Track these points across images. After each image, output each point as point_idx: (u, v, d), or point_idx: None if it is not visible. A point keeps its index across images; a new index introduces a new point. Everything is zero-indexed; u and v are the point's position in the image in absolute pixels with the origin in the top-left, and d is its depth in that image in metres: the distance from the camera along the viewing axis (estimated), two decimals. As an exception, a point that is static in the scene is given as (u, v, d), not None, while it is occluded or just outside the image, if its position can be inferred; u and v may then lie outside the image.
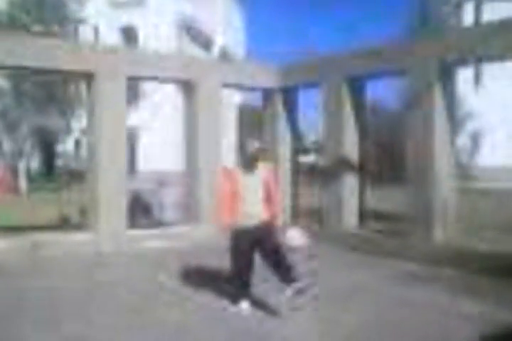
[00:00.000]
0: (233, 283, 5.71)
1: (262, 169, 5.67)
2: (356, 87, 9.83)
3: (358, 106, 9.88)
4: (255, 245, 5.50)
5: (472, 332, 4.94)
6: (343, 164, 9.66)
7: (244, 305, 5.58)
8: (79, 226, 10.08)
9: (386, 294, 6.35)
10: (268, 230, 5.55)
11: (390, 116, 24.15)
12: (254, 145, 5.58)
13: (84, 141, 24.10)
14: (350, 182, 9.71)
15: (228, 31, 39.28)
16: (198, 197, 10.09)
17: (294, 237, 5.59)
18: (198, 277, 7.09)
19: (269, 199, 5.59)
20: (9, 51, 8.41)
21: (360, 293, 6.39)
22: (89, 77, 9.37)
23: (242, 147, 5.63)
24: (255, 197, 5.51)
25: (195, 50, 31.99)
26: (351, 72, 9.55)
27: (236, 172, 5.56)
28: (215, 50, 35.44)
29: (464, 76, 25.82)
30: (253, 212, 5.47)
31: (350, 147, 9.76)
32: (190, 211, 10.30)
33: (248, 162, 5.58)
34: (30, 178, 24.17)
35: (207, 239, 9.37)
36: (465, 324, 5.19)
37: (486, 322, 5.24)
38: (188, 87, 10.38)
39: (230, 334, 4.91)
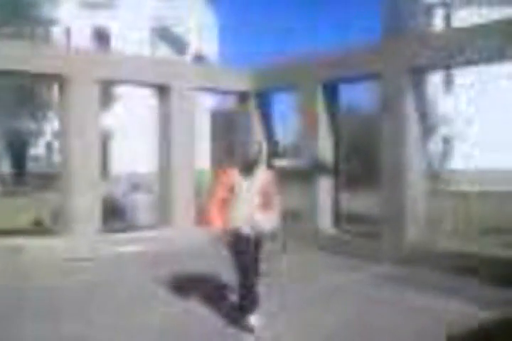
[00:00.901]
0: (242, 294, 5.14)
1: (262, 173, 5.35)
2: (330, 90, 9.93)
3: (332, 110, 9.99)
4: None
5: (440, 327, 5.16)
6: (317, 167, 9.75)
7: (254, 320, 5.08)
8: (52, 231, 9.94)
9: (359, 294, 6.42)
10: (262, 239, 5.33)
11: (364, 119, 24.40)
12: (256, 147, 5.25)
13: (56, 144, 23.79)
14: (324, 185, 9.80)
15: (202, 34, 39.27)
16: (170, 200, 10.05)
17: (263, 221, 5.12)
18: (180, 281, 7.05)
19: (267, 205, 5.26)
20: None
21: (334, 294, 6.45)
22: (61, 80, 9.26)
23: (241, 149, 5.36)
24: (251, 203, 5.16)
25: (168, 53, 31.89)
26: (324, 75, 9.65)
27: (234, 174, 5.21)
28: (189, 53, 35.38)
29: (434, 81, 26.33)
30: (245, 218, 5.13)
31: (325, 150, 9.85)
32: (163, 214, 10.25)
33: (247, 165, 5.24)
34: (1, 182, 23.74)
35: (180, 241, 9.34)
36: (433, 320, 5.38)
37: (454, 317, 5.47)
38: (161, 90, 10.35)
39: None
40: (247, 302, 5.05)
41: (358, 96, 25.10)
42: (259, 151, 5.29)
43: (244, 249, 5.09)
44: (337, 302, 6.14)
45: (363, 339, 4.93)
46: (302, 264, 8.31)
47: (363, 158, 22.95)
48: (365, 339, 4.93)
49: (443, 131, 27.45)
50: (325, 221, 9.78)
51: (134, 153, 26.36)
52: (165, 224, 10.10)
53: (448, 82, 28.82)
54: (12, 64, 8.58)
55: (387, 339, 4.94)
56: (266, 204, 5.25)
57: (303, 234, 9.73)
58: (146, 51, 27.66)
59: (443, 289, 6.64)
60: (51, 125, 23.56)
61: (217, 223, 5.11)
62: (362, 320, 5.48)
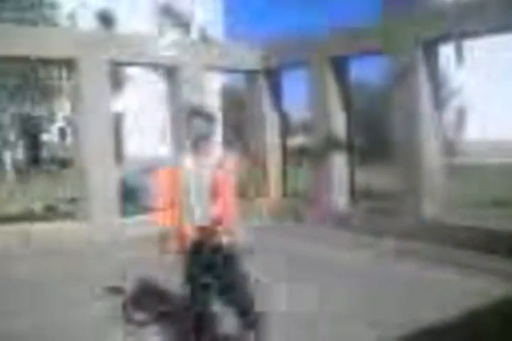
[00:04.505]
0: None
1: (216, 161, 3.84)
2: (340, 65, 9.80)
3: (343, 85, 9.87)
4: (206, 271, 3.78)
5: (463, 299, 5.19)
6: (331, 144, 9.68)
7: None
8: (69, 216, 10.02)
9: (376, 271, 6.43)
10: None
11: (376, 94, 24.15)
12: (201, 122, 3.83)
13: (69, 129, 23.87)
14: (339, 162, 9.74)
15: (206, 11, 38.78)
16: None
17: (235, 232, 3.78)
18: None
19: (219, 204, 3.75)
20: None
21: (350, 271, 6.46)
22: (70, 64, 9.23)
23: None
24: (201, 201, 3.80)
25: (173, 33, 31.62)
26: (334, 51, 9.50)
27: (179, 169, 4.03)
28: (194, 32, 35.05)
29: (446, 52, 25.87)
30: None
31: (337, 126, 9.77)
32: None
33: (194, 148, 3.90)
34: (17, 169, 23.93)
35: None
36: (456, 292, 5.40)
37: (477, 289, 5.53)
38: (169, 71, 10.28)
39: None
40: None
41: (369, 71, 24.81)
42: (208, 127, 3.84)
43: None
44: (355, 279, 6.15)
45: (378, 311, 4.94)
46: (317, 240, 8.31)
47: (376, 133, 22.79)
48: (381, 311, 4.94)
49: (456, 102, 27.09)
50: (340, 197, 9.74)
51: (147, 135, 26.40)
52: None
53: (459, 54, 28.32)
54: (20, 49, 8.55)
55: (402, 311, 4.95)
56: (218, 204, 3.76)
57: (319, 213, 9.70)
58: (151, 31, 27.45)
59: (463, 264, 6.61)
60: (63, 110, 23.59)
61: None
62: (381, 295, 5.49)
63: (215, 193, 3.71)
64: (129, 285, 5.80)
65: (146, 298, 5.47)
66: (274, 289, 5.53)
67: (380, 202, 10.45)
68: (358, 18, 9.62)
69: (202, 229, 3.73)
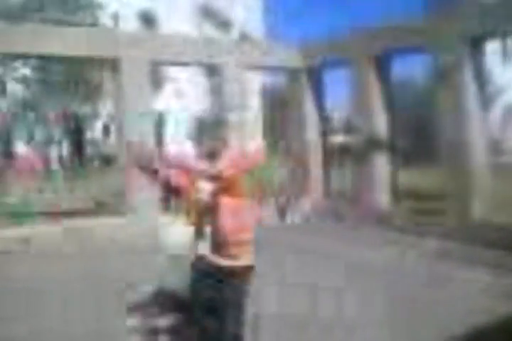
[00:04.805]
0: None
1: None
2: (382, 64, 9.64)
3: (385, 84, 9.70)
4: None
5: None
6: (373, 143, 9.54)
7: None
8: (114, 211, 10.16)
9: (417, 272, 6.29)
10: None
11: (420, 93, 23.69)
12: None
13: (112, 126, 24.29)
14: (381, 161, 9.59)
15: (246, 10, 38.79)
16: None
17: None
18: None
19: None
20: (32, 40, 8.45)
21: (390, 272, 6.34)
22: (113, 63, 9.38)
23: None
24: None
25: (213, 32, 31.75)
26: (376, 49, 9.35)
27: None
28: (235, 31, 35.13)
29: (492, 49, 25.14)
30: None
31: (380, 125, 9.61)
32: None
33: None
34: (62, 164, 24.53)
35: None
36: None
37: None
38: (210, 70, 10.32)
39: None
40: None
41: (413, 69, 24.34)
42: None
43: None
44: (396, 279, 6.04)
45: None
46: (358, 240, 8.20)
47: (421, 133, 22.33)
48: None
49: (502, 101, 26.32)
50: (382, 197, 9.58)
51: (186, 134, 26.64)
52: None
53: (505, 52, 27.47)
54: (66, 49, 8.74)
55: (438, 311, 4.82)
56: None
57: (361, 212, 9.57)
58: (192, 31, 27.65)
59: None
60: (106, 108, 24.05)
61: None
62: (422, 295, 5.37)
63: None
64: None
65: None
66: (310, 290, 5.47)
67: (424, 203, 10.23)
68: (401, 16, 9.42)
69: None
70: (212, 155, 3.24)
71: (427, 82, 23.96)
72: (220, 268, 3.14)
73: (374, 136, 9.53)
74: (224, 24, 33.82)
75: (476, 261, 6.74)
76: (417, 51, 9.79)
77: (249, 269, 3.22)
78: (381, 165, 9.57)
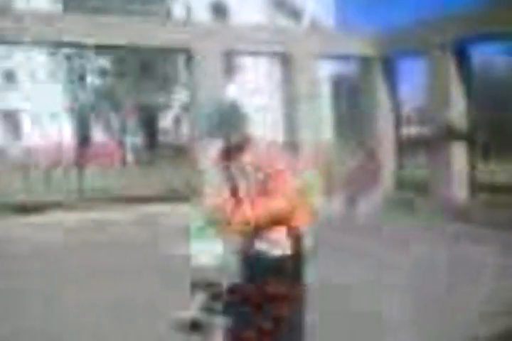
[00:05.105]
0: None
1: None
2: (461, 52, 9.26)
3: (464, 73, 9.32)
4: None
5: None
6: (450, 134, 9.22)
7: None
8: (185, 199, 10.37)
9: (491, 267, 6.02)
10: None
11: (500, 82, 22.63)
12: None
13: (184, 117, 24.79)
14: (459, 154, 9.25)
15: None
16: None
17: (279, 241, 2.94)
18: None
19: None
20: (107, 31, 8.71)
21: (464, 266, 6.11)
22: (187, 54, 9.53)
23: None
24: None
25: (284, 21, 31.58)
26: (454, 37, 8.98)
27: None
28: (306, 20, 34.80)
29: None
30: None
31: (458, 116, 9.27)
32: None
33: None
34: (136, 152, 25.34)
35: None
36: None
37: None
38: (283, 59, 10.28)
39: None
40: None
41: (494, 58, 23.23)
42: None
43: None
44: (475, 276, 5.82)
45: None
46: (435, 236, 7.96)
47: (502, 124, 21.35)
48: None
49: None
50: (460, 191, 9.26)
51: (258, 124, 26.76)
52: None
53: None
54: (141, 40, 8.97)
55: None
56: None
57: (436, 205, 9.30)
58: (263, 21, 27.64)
59: None
60: (178, 99, 24.54)
61: None
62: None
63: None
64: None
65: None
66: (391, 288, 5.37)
67: (504, 196, 9.79)
68: (481, 2, 8.99)
69: None
70: (238, 149, 3.07)
71: (508, 72, 22.87)
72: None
73: (451, 126, 9.20)
74: (295, 13, 33.61)
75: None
76: (499, 38, 9.36)
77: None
78: (458, 157, 9.24)
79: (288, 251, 2.93)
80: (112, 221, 8.53)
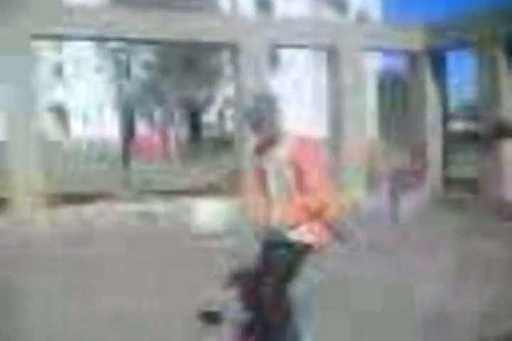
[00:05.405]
0: None
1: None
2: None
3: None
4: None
5: None
6: (501, 131, 8.90)
7: None
8: (226, 193, 10.39)
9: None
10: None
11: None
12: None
13: (227, 111, 24.87)
14: (510, 151, 8.92)
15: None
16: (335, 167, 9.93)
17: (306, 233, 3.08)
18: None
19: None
20: (154, 26, 8.76)
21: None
22: (232, 48, 9.50)
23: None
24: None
25: (330, 14, 31.19)
26: (505, 30, 8.63)
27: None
28: (352, 13, 34.27)
29: None
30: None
31: (509, 113, 8.94)
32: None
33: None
34: (180, 146, 25.60)
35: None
36: None
37: None
38: (329, 53, 10.13)
39: None
40: None
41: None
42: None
43: None
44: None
45: None
46: (486, 234, 7.71)
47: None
48: None
49: None
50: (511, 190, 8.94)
51: (302, 118, 26.60)
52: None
53: None
54: (187, 34, 8.98)
55: None
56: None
57: (486, 203, 9.00)
58: (308, 13, 27.40)
59: None
60: (222, 93, 24.61)
61: None
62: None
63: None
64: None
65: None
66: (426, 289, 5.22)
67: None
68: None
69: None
70: (272, 143, 3.12)
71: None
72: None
73: (503, 122, 8.88)
74: (341, 6, 33.18)
75: None
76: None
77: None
78: (510, 154, 8.91)
79: (314, 242, 3.06)
80: (155, 213, 8.63)
